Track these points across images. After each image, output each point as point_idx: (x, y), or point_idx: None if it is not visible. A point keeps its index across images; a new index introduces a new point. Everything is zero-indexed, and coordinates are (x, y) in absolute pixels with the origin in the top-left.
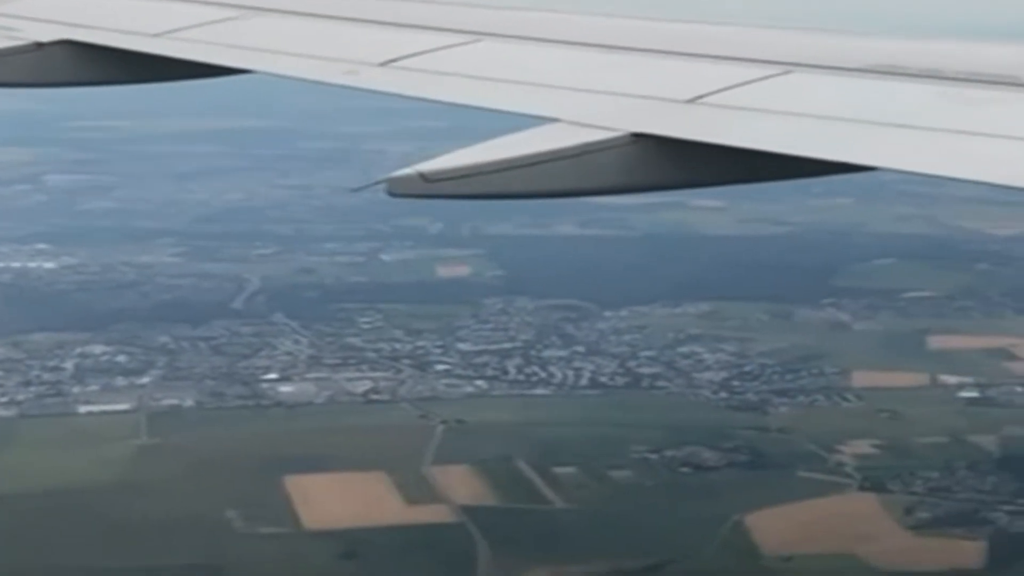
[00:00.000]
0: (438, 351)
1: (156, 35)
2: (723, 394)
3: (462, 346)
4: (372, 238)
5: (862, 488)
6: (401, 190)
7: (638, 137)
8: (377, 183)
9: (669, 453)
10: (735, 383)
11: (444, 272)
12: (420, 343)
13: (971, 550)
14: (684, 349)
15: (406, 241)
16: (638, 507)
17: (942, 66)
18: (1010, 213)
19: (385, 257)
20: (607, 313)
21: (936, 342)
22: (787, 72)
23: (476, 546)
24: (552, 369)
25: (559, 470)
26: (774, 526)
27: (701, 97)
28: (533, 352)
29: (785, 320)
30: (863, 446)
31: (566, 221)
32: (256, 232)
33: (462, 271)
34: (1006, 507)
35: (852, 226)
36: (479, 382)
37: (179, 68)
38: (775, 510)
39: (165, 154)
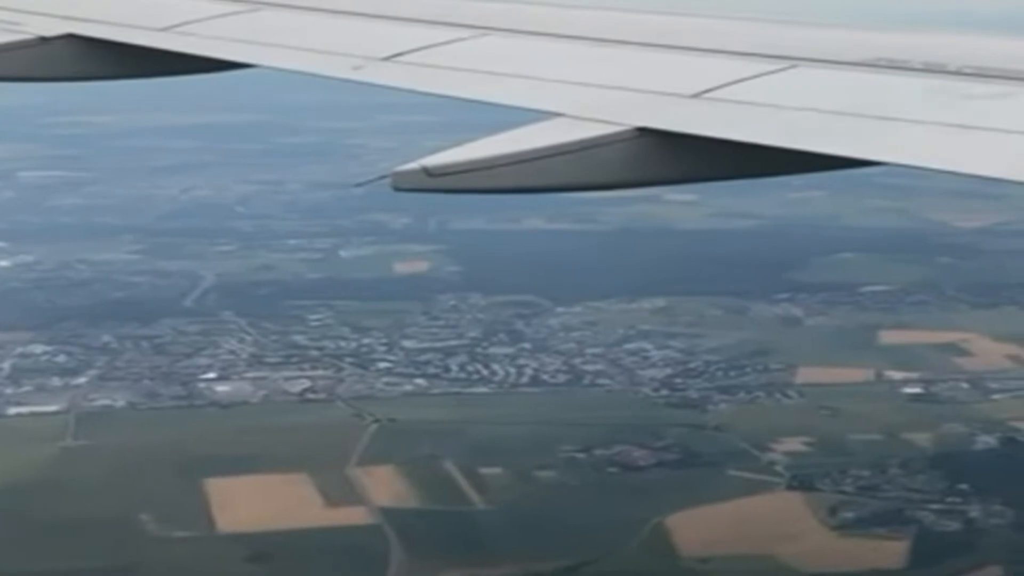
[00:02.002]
0: (383, 349)
1: (161, 29)
2: (664, 391)
3: (407, 343)
4: (335, 234)
5: (790, 487)
6: (405, 184)
7: (643, 132)
8: (382, 178)
9: (598, 452)
10: (678, 380)
11: (402, 268)
12: (366, 341)
13: (893, 550)
14: (631, 345)
15: (368, 237)
16: (560, 508)
17: (946, 60)
18: (983, 206)
19: (344, 253)
20: (560, 309)
21: (887, 337)
22: (792, 67)
23: (390, 549)
24: (495, 367)
25: (485, 470)
26: (695, 527)
27: (706, 92)
28: (479, 349)
29: (738, 315)
30: (796, 444)
31: (535, 216)
32: (219, 228)
33: (420, 267)
34: (934, 506)
35: (823, 219)
36: (419, 380)
37: (184, 63)
38: (699, 510)
39: (143, 149)
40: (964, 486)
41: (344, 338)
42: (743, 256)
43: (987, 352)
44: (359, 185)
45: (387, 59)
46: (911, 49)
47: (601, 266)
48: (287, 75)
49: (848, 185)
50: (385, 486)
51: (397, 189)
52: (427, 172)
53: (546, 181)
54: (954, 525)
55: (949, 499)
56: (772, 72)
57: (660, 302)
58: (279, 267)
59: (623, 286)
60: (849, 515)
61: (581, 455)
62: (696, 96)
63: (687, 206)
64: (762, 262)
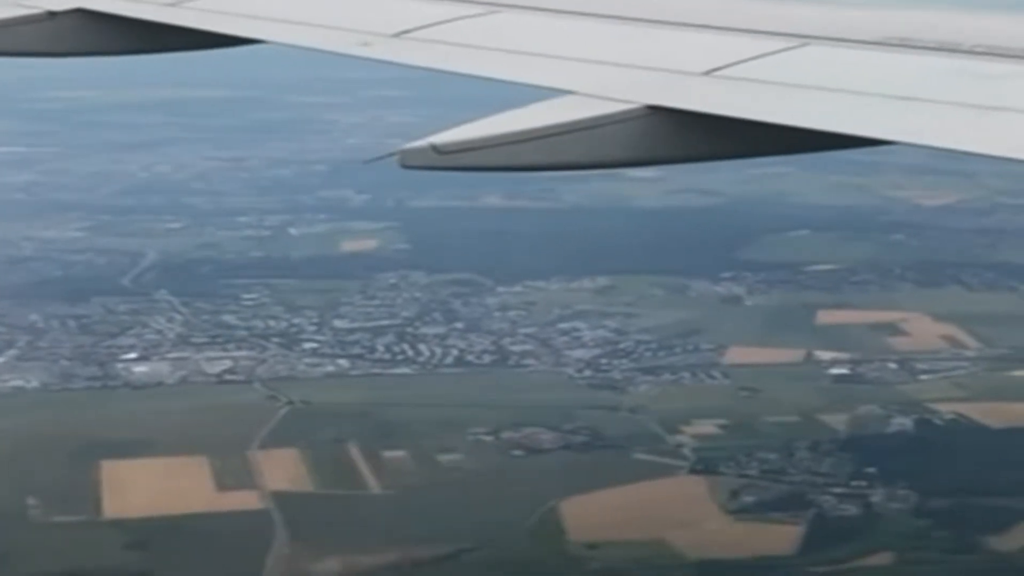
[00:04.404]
0: (312, 329)
1: (169, 4)
2: (588, 372)
3: (338, 323)
4: (289, 211)
5: (693, 471)
6: (413, 162)
7: (654, 110)
8: (390, 155)
9: (506, 435)
10: (603, 361)
11: (349, 246)
12: (296, 321)
13: (785, 535)
14: (565, 325)
15: (322, 214)
16: (456, 493)
17: (959, 39)
18: (949, 183)
19: (293, 231)
20: (500, 288)
21: (824, 317)
22: (804, 44)
23: (274, 534)
24: (422, 347)
25: (388, 454)
26: (589, 511)
27: (717, 69)
28: (409, 329)
29: (679, 294)
30: (709, 426)
31: (494, 193)
32: (172, 205)
33: (367, 245)
34: (836, 490)
35: (783, 196)
36: (342, 361)
37: (192, 38)
38: (596, 495)
39: (114, 125)
40: (872, 469)
41: (275, 318)
42: (694, 234)
43: (923, 332)
44: (368, 162)
45: (396, 36)
46: (924, 28)
47: (549, 245)
48: (294, 51)
49: (815, 161)
50: (282, 470)
51: (405, 167)
52: (436, 150)
53: (556, 159)
54: (853, 510)
55: (853, 483)
56: (783, 50)
57: (603, 281)
58: (224, 245)
59: (568, 265)
60: (749, 499)
61: (488, 438)
62: (707, 74)
63: (649, 183)
64: (712, 240)
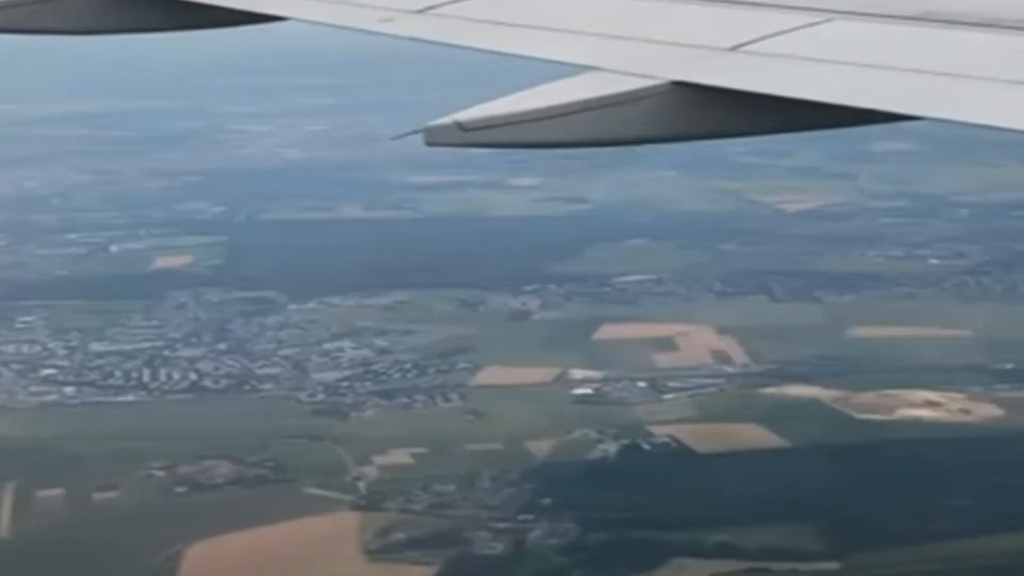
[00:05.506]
0: (63, 353)
1: None
2: (320, 397)
3: (96, 347)
4: (129, 227)
5: (355, 506)
6: (438, 140)
7: (678, 85)
8: (415, 132)
9: (183, 469)
10: (345, 384)
11: (163, 263)
12: (52, 345)
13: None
14: (330, 345)
15: (161, 229)
16: (88, 535)
17: (1000, 15)
18: (826, 186)
19: (114, 248)
20: (292, 306)
21: (604, 332)
22: (829, 20)
23: None
24: (163, 372)
25: (43, 492)
26: (215, 555)
27: (743, 45)
28: (166, 352)
29: (469, 309)
30: (404, 456)
31: (356, 203)
32: (12, 223)
33: (180, 261)
34: (498, 524)
35: (647, 203)
36: (68, 389)
37: (211, 15)
38: (234, 535)
39: (18, 138)
40: (547, 501)
41: (32, 342)
42: (526, 244)
43: (696, 347)
44: (395, 138)
45: (420, 12)
46: (953, 3)
47: (372, 257)
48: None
49: (703, 163)
50: None
51: (430, 144)
52: (460, 127)
53: (580, 136)
54: (500, 548)
55: (521, 516)
56: (809, 25)
57: (401, 295)
58: (33, 264)
59: (378, 279)
60: (398, 537)
61: (162, 473)
62: (732, 49)
63: (521, 191)
64: (540, 250)
